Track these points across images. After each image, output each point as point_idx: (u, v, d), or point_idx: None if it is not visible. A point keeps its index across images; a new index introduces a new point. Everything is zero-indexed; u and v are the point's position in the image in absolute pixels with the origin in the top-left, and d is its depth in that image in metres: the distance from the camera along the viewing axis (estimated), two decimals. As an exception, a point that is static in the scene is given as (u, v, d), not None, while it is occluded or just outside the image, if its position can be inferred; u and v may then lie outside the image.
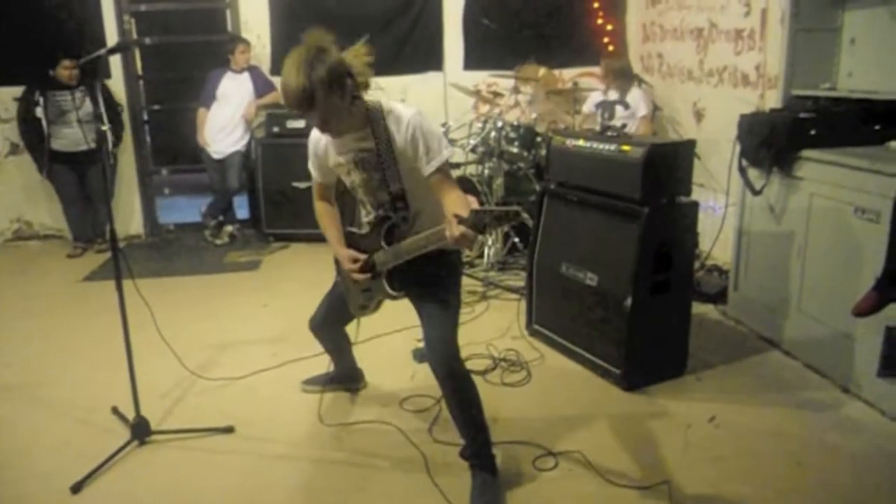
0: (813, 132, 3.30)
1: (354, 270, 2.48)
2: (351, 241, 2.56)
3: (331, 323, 2.90)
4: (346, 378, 3.20)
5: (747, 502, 2.40)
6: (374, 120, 2.29)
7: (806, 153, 3.29)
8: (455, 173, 5.40)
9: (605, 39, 6.14)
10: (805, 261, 3.32)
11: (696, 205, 3.22)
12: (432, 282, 2.43)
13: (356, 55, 2.25)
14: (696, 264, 4.15)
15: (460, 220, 1.99)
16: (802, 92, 3.67)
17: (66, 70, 5.38)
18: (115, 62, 5.94)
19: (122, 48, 2.79)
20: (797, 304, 3.39)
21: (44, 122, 5.48)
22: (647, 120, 5.08)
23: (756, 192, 3.55)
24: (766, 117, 3.57)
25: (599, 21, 6.13)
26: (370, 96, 2.35)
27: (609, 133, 3.37)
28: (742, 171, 3.63)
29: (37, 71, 5.47)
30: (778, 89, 3.87)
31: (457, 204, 2.18)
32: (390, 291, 2.47)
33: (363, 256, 2.47)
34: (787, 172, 3.40)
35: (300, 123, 5.70)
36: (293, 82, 2.09)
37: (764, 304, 3.65)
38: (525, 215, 1.82)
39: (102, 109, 5.43)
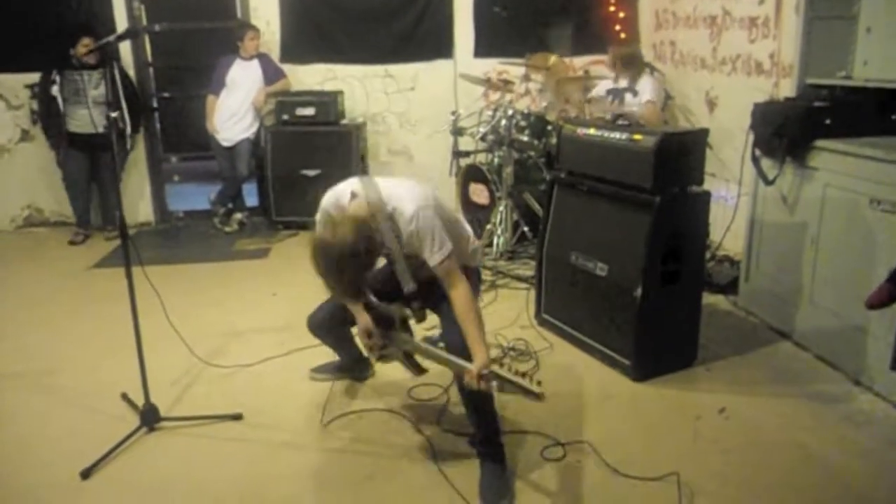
0: (828, 122, 3.26)
1: (366, 346, 2.60)
2: (372, 312, 2.61)
3: (329, 326, 2.89)
4: (353, 367, 3.20)
5: (757, 494, 2.39)
6: (384, 228, 2.37)
7: (820, 143, 3.25)
8: (465, 162, 5.41)
9: (617, 27, 6.08)
10: (818, 252, 3.28)
11: (708, 195, 3.19)
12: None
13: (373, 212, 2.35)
14: (707, 254, 4.12)
15: (481, 376, 2.17)
16: (817, 81, 3.62)
17: (84, 47, 5.36)
18: (126, 49, 5.93)
19: (132, 35, 2.79)
20: (809, 296, 3.36)
21: (60, 101, 5.48)
22: (653, 105, 5.02)
23: (769, 182, 3.51)
24: (779, 106, 3.53)
25: (611, 8, 6.07)
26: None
27: (620, 122, 3.34)
28: (755, 160, 3.59)
29: (55, 51, 5.46)
30: (792, 78, 3.82)
31: (457, 306, 2.34)
32: (410, 367, 2.66)
33: (377, 338, 2.57)
34: (800, 162, 3.36)
35: (310, 111, 5.70)
36: (330, 283, 2.26)
37: (775, 295, 3.62)
38: (540, 390, 2.06)
39: (121, 94, 5.42)
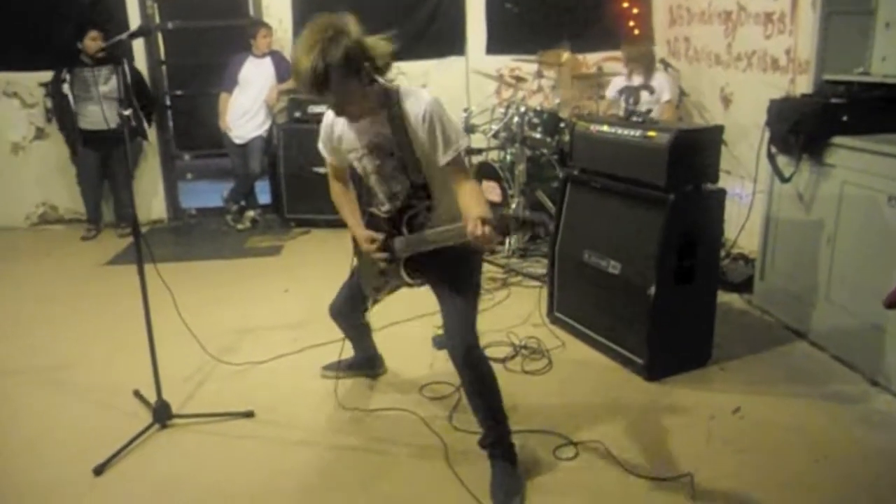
0: (845, 118, 3.22)
1: (372, 251, 2.45)
2: (371, 222, 2.53)
3: (350, 309, 2.89)
4: (365, 364, 3.19)
5: (771, 496, 2.36)
6: (391, 104, 2.24)
7: (837, 140, 3.20)
8: (477, 159, 5.39)
9: (631, 23, 6.04)
10: (834, 250, 3.24)
11: (723, 192, 3.16)
12: (452, 269, 2.39)
13: (378, 40, 2.18)
14: (722, 252, 4.08)
15: (484, 221, 1.96)
16: (834, 77, 3.57)
17: (93, 41, 5.38)
18: (139, 48, 5.95)
19: (144, 32, 2.80)
20: (825, 295, 3.32)
21: (71, 99, 5.51)
22: (671, 105, 5.00)
23: (785, 180, 3.47)
24: (796, 103, 3.49)
25: (625, 4, 6.02)
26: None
27: (634, 118, 3.31)
28: (771, 157, 3.55)
29: (65, 48, 5.49)
30: (809, 74, 3.77)
31: (472, 196, 2.16)
32: (406, 279, 2.45)
33: (380, 237, 2.44)
34: (817, 159, 3.32)
35: (322, 108, 5.64)
36: (306, 63, 2.02)
37: (791, 294, 3.58)
38: (550, 225, 1.83)
39: (131, 91, 5.45)
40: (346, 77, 2.07)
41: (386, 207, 2.44)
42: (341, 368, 3.14)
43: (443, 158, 2.22)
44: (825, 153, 3.27)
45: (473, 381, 2.40)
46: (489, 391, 2.43)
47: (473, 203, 2.13)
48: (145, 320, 2.77)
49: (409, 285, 2.49)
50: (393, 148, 2.29)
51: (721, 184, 3.19)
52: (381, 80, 2.21)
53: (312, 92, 2.07)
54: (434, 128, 2.20)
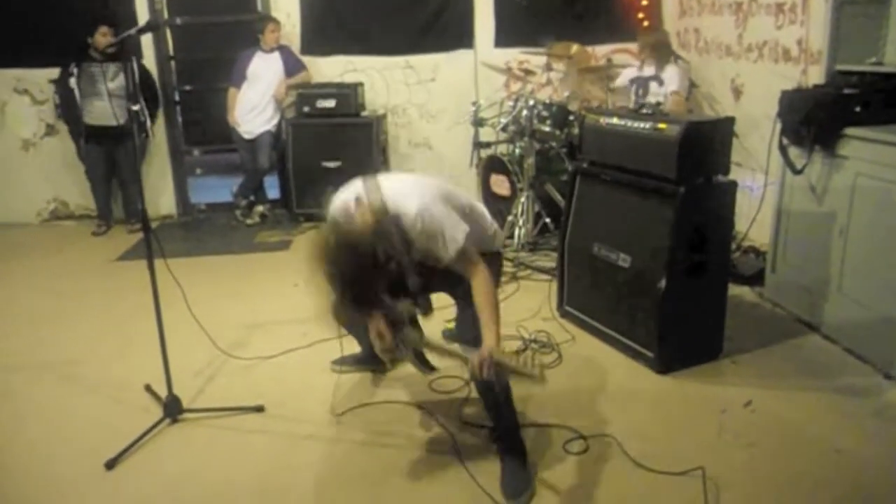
0: (858, 109, 3.18)
1: (379, 349, 2.47)
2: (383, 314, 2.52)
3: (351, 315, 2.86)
4: (374, 359, 3.18)
5: (783, 489, 2.34)
6: (390, 232, 2.25)
7: (850, 131, 3.17)
8: (486, 153, 5.38)
9: (640, 15, 5.99)
10: (847, 242, 3.21)
11: (734, 184, 3.13)
12: (462, 283, 2.39)
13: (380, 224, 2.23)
14: (732, 245, 4.05)
15: (482, 363, 2.09)
16: (847, 67, 3.53)
17: (103, 37, 5.39)
18: (147, 43, 5.97)
19: (153, 28, 2.80)
20: (838, 287, 3.29)
21: (77, 94, 5.53)
22: (679, 96, 4.96)
23: (797, 172, 3.44)
24: (808, 93, 3.45)
25: (634, -5, 5.98)
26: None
27: (644, 111, 3.29)
28: (783, 149, 3.52)
29: (74, 42, 5.51)
30: (821, 64, 3.74)
31: (477, 293, 2.26)
32: (421, 367, 2.59)
33: (390, 339, 2.44)
34: (830, 151, 3.28)
35: (331, 103, 5.69)
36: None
37: (803, 287, 3.55)
38: (536, 373, 2.02)
39: (137, 88, 5.46)
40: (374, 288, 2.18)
41: (415, 282, 2.44)
42: (350, 363, 3.13)
43: (445, 258, 2.29)
44: (838, 144, 3.23)
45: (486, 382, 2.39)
46: (500, 386, 2.42)
47: (485, 329, 2.21)
48: (156, 315, 2.78)
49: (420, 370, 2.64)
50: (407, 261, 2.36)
51: (732, 176, 3.16)
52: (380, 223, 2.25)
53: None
54: (427, 236, 2.27)
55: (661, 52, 5.03)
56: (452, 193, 2.46)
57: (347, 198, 2.37)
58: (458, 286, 2.42)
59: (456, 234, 2.29)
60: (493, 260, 2.58)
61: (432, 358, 2.65)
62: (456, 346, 2.33)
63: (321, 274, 2.10)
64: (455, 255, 2.28)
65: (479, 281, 2.30)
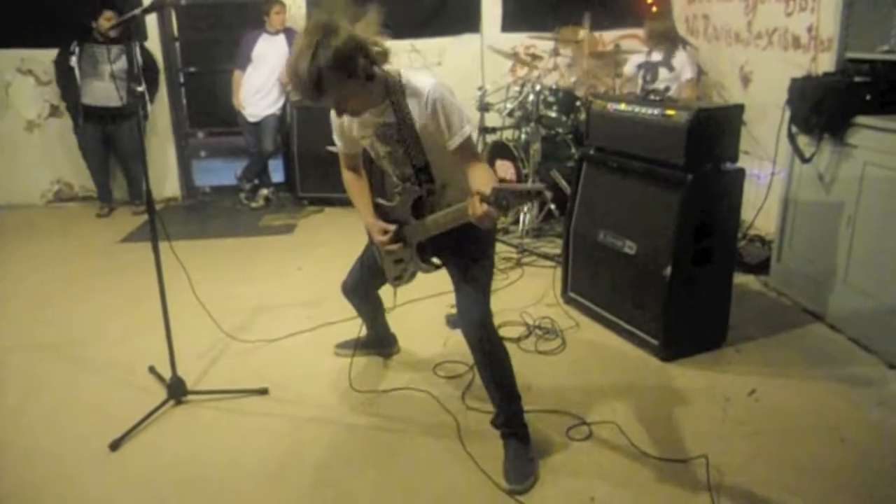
0: (868, 97, 3.16)
1: (384, 242, 2.44)
2: (380, 212, 2.51)
3: (364, 287, 2.88)
4: (378, 343, 3.19)
5: (787, 477, 2.34)
6: (393, 94, 2.18)
7: (860, 119, 3.14)
8: (491, 138, 5.35)
9: (649, 0, 5.93)
10: (854, 232, 3.19)
11: (742, 172, 3.10)
12: (465, 248, 2.37)
13: (368, 24, 2.08)
14: (738, 234, 4.04)
15: (482, 199, 1.90)
16: (857, 55, 3.49)
17: (107, 21, 5.39)
18: (152, 24, 5.93)
19: (158, 7, 2.78)
20: (844, 277, 3.28)
21: (77, 74, 5.51)
22: (692, 83, 4.92)
23: (805, 160, 3.41)
24: (818, 81, 3.42)
25: (643, -19, 5.92)
26: (393, 65, 2.24)
27: (652, 97, 3.26)
28: (791, 137, 3.49)
29: (77, 23, 5.49)
30: (831, 52, 3.69)
31: (481, 179, 2.11)
32: (422, 264, 2.45)
33: (392, 227, 2.42)
34: (839, 140, 3.26)
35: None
36: (299, 71, 1.96)
37: (808, 276, 3.54)
38: (548, 194, 1.73)
39: (139, 70, 5.45)
40: (340, 78, 2.00)
41: (399, 188, 2.42)
42: (355, 347, 3.14)
43: (449, 143, 2.19)
44: (847, 133, 3.21)
45: (486, 359, 2.39)
46: (502, 370, 2.42)
47: (475, 182, 2.10)
48: (160, 298, 2.77)
49: (426, 270, 2.47)
50: (399, 135, 2.26)
51: (739, 164, 3.14)
52: (379, 71, 2.14)
53: (309, 98, 2.02)
54: (437, 115, 2.15)
55: (668, 40, 4.99)
56: None
57: None
58: (454, 259, 2.39)
59: (464, 121, 2.18)
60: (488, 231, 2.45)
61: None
62: (458, 205, 2.16)
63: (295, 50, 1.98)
64: (459, 143, 2.18)
65: (478, 166, 2.20)
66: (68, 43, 5.53)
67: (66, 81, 5.60)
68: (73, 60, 5.50)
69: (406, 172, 2.36)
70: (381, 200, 2.52)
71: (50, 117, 6.09)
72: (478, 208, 1.93)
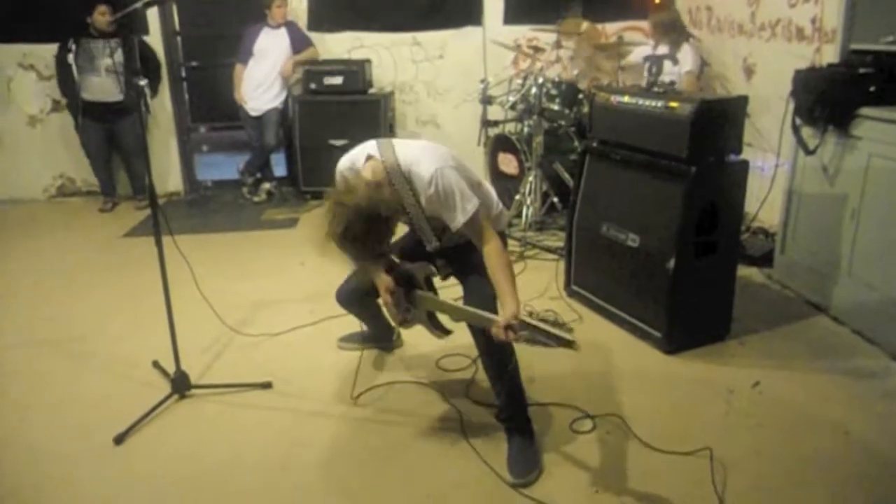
0: (872, 89, 3.14)
1: (387, 303, 2.50)
2: (395, 271, 2.53)
3: (358, 298, 2.86)
4: (380, 337, 3.19)
5: (791, 470, 2.34)
6: (401, 189, 2.28)
7: (865, 111, 3.13)
8: (494, 131, 5.33)
9: (652, -9, 5.91)
10: (859, 224, 3.18)
11: (745, 164, 3.10)
12: (475, 251, 2.36)
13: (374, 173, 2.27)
14: (742, 226, 4.03)
15: (508, 326, 2.04)
16: (862, 46, 3.47)
17: (102, 16, 5.39)
18: (153, 19, 5.92)
19: (157, 2, 2.78)
20: (848, 269, 3.27)
21: (74, 70, 5.51)
22: (692, 76, 4.90)
23: (809, 152, 3.40)
24: (822, 73, 3.41)
25: (645, -28, 5.89)
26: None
27: (656, 89, 3.25)
28: (795, 129, 3.48)
29: (74, 19, 5.48)
30: (835, 43, 3.68)
31: (501, 281, 2.21)
32: (435, 330, 2.53)
33: (400, 299, 2.49)
34: (843, 131, 3.24)
35: (338, 80, 5.65)
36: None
37: (812, 269, 3.53)
38: (573, 338, 1.88)
39: (137, 63, 5.44)
40: (375, 241, 2.18)
41: (434, 244, 2.44)
42: (357, 340, 3.14)
43: (452, 225, 2.28)
44: (852, 125, 3.20)
45: (492, 355, 2.39)
46: (507, 365, 2.41)
47: (505, 296, 2.18)
48: (164, 292, 2.77)
49: (436, 336, 2.56)
50: (409, 219, 2.40)
51: (742, 156, 3.13)
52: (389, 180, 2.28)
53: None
54: (440, 199, 2.25)
55: (674, 31, 4.97)
56: (464, 165, 2.43)
57: (357, 155, 2.40)
58: (469, 270, 2.41)
59: (468, 199, 2.26)
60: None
61: (445, 322, 2.59)
62: (472, 308, 2.28)
63: (332, 230, 2.11)
64: (466, 220, 2.25)
65: (492, 247, 2.27)
66: (65, 39, 5.52)
67: (65, 78, 5.59)
68: (70, 57, 5.49)
69: (429, 237, 2.42)
70: (395, 261, 2.55)
71: (52, 112, 6.09)
72: (500, 333, 2.08)
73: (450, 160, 2.33)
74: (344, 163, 2.44)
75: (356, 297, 2.86)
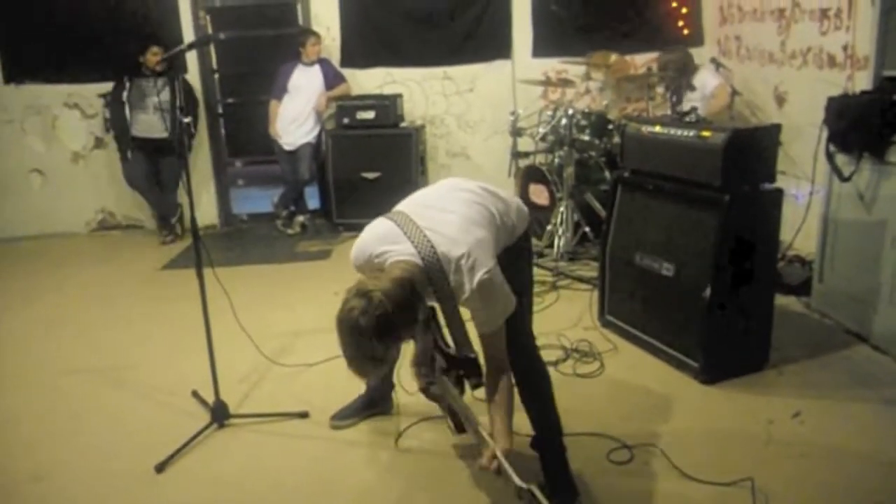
0: (907, 115, 3.12)
1: (417, 373, 2.29)
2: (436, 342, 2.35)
3: None
4: (379, 399, 2.96)
5: (833, 501, 2.30)
6: (435, 282, 2.00)
7: (900, 137, 3.11)
8: (524, 162, 5.38)
9: (680, 23, 5.96)
10: (898, 251, 3.14)
11: (780, 192, 3.08)
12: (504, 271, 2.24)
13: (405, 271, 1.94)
14: (778, 254, 3.99)
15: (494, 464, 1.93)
16: (894, 73, 3.47)
17: (154, 56, 5.60)
18: (192, 57, 6.12)
19: (200, 44, 2.89)
20: (889, 297, 3.22)
21: (127, 107, 5.71)
22: (723, 88, 4.97)
23: (845, 179, 3.38)
24: (856, 100, 3.40)
25: (673, 4, 5.95)
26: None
27: (688, 118, 3.27)
28: (829, 156, 3.46)
29: (127, 59, 5.73)
30: (868, 71, 3.66)
31: (499, 386, 2.09)
32: (448, 417, 2.37)
33: (428, 370, 2.28)
34: (878, 158, 3.22)
35: (370, 114, 5.76)
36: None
37: (851, 297, 3.48)
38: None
39: (183, 101, 5.61)
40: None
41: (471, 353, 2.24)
42: (352, 414, 2.94)
43: (479, 329, 2.10)
44: (887, 151, 3.17)
45: (530, 385, 2.38)
46: (542, 392, 2.41)
47: (498, 425, 2.06)
48: (204, 323, 2.83)
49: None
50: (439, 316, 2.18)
51: (777, 184, 3.12)
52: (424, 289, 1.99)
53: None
54: (478, 304, 2.03)
55: (678, 69, 5.09)
56: (486, 205, 2.21)
57: (375, 245, 2.09)
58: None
59: (496, 316, 2.06)
60: (522, 251, 2.39)
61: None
62: (482, 423, 2.12)
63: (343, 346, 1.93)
64: (488, 332, 2.09)
65: (504, 378, 2.12)
66: (121, 78, 5.74)
67: (118, 114, 5.78)
68: (125, 96, 5.71)
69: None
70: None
71: (94, 149, 6.29)
72: (485, 463, 1.95)
73: (478, 232, 2.06)
74: (363, 256, 2.13)
75: None
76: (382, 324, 1.84)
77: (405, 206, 2.21)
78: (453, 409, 2.27)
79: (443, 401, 2.36)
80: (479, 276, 1.98)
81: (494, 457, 1.94)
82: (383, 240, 2.07)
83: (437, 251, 1.99)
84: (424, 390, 2.35)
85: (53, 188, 6.34)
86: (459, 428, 2.35)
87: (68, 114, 6.22)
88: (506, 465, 1.91)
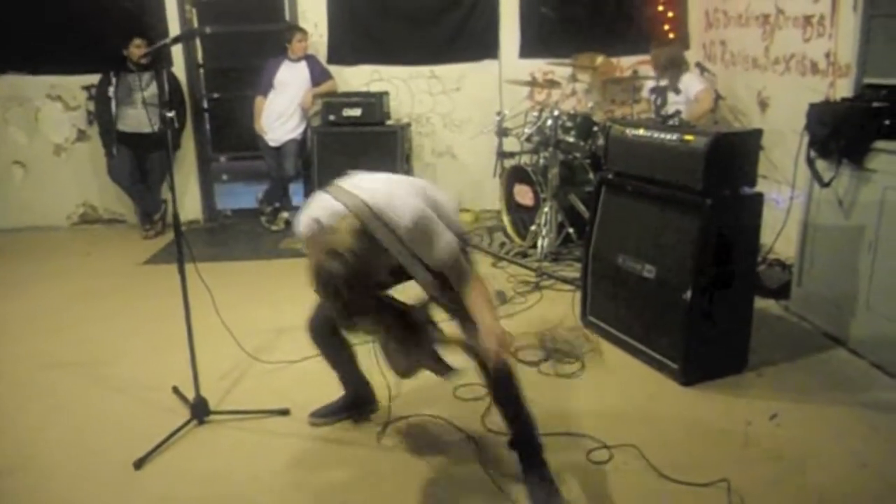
0: (887, 122, 3.16)
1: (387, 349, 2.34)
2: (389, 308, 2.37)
3: (331, 331, 2.69)
4: (359, 400, 2.94)
5: (810, 503, 2.33)
6: (379, 232, 2.19)
7: (880, 144, 3.15)
8: (509, 163, 5.39)
9: (666, 27, 6.00)
10: (876, 257, 3.19)
11: (760, 196, 3.12)
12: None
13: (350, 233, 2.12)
14: (758, 258, 4.03)
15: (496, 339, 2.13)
16: (876, 80, 3.50)
17: (137, 49, 5.55)
18: (177, 51, 6.08)
19: (186, 38, 2.86)
20: (865, 302, 3.27)
21: (113, 103, 5.66)
22: (707, 92, 5.01)
23: (824, 185, 3.42)
24: (837, 106, 3.44)
25: (660, 8, 5.99)
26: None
27: (671, 122, 3.29)
28: (810, 162, 3.50)
29: (112, 52, 5.67)
30: (849, 78, 3.71)
31: (476, 303, 2.23)
32: (438, 369, 2.35)
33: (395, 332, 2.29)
34: (858, 164, 3.26)
35: (356, 112, 5.74)
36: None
37: (829, 301, 3.52)
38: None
39: (167, 96, 5.58)
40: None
41: (427, 276, 2.32)
42: (332, 413, 2.93)
43: (437, 263, 2.22)
44: (866, 158, 3.22)
45: (500, 382, 2.39)
46: (514, 391, 2.41)
47: (483, 311, 2.21)
48: (185, 318, 2.82)
49: (446, 376, 2.37)
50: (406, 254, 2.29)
51: (757, 189, 3.15)
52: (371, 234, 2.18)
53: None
54: (423, 243, 2.21)
55: (674, 66, 5.10)
56: (426, 192, 2.36)
57: (321, 213, 2.30)
58: (463, 315, 2.33)
59: (449, 244, 2.21)
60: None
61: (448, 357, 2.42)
62: (467, 337, 2.26)
63: (320, 290, 2.11)
64: (446, 261, 2.22)
65: (476, 285, 2.26)
66: (107, 72, 5.69)
67: (104, 109, 5.73)
68: (111, 91, 5.66)
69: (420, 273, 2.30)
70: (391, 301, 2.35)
71: (77, 142, 6.24)
72: (492, 351, 2.16)
73: (421, 200, 2.26)
74: (309, 224, 2.34)
75: (327, 331, 2.69)
76: (361, 266, 2.04)
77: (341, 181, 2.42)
78: (436, 354, 2.33)
79: (426, 360, 2.35)
80: (410, 213, 2.18)
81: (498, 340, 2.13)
82: (322, 207, 2.33)
83: (369, 203, 2.21)
84: (408, 369, 2.40)
85: (35, 181, 6.28)
86: (448, 369, 2.36)
87: (51, 105, 6.17)
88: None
